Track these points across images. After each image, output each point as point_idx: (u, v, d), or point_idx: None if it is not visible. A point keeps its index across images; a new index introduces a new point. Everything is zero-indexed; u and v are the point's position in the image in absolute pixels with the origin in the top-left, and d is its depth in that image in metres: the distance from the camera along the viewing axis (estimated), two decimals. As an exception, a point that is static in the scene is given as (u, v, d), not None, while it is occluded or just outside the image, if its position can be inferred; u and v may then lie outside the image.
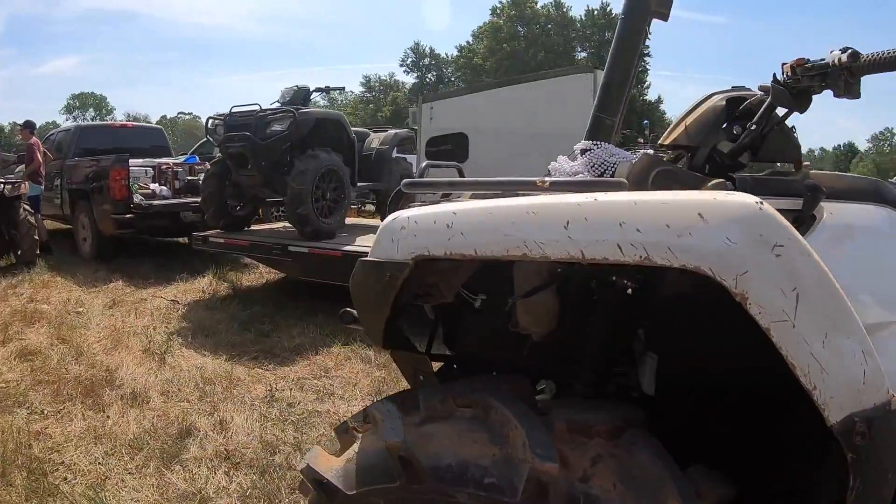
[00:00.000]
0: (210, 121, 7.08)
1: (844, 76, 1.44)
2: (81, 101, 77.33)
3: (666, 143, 1.93)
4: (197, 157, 11.08)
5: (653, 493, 1.08)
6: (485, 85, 16.99)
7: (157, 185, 9.48)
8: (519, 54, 49.86)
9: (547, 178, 1.60)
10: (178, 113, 75.66)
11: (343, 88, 37.76)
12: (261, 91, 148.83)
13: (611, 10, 52.25)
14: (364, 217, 11.43)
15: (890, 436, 1.01)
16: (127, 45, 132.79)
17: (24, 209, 8.69)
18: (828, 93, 1.53)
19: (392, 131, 8.44)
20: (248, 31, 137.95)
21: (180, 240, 10.46)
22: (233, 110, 6.79)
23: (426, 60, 60.85)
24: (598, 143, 2.00)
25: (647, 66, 51.77)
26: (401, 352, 1.70)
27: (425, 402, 1.31)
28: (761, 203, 1.01)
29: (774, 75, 1.59)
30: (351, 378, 4.80)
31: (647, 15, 2.11)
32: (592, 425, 1.21)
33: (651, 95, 53.84)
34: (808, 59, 1.52)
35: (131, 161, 8.92)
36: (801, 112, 1.62)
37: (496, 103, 12.92)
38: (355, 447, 1.37)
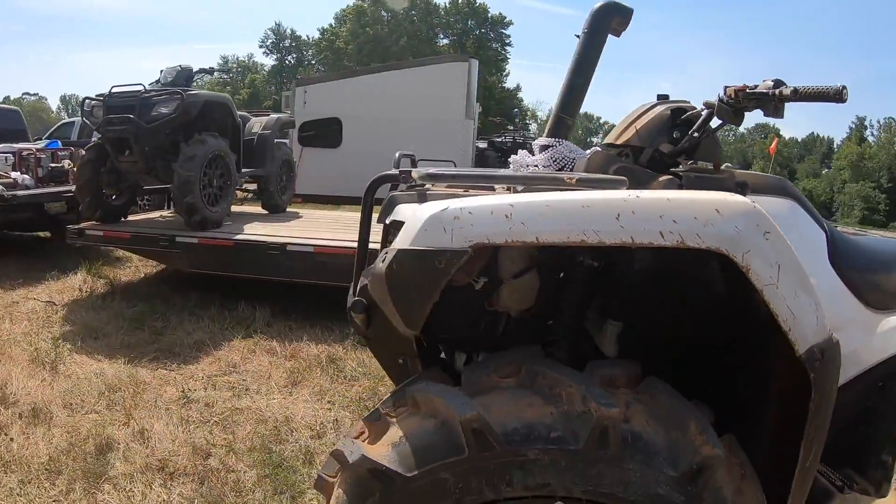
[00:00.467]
0: (86, 101, 6.51)
1: (774, 102, 1.78)
2: None
3: (618, 142, 2.18)
4: (59, 142, 10.13)
5: (678, 423, 1.40)
6: (360, 70, 17.01)
7: (18, 173, 8.49)
8: (381, 39, 49.61)
9: (573, 175, 1.76)
10: (24, 94, 68.21)
11: (230, 71, 35.48)
12: (112, 70, 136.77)
13: (475, 0, 53.27)
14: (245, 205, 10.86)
15: (833, 359, 1.43)
16: None
17: None
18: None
19: (274, 116, 8.20)
20: (95, 6, 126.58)
21: (41, 234, 9.61)
22: (113, 90, 6.27)
23: (287, 42, 59.04)
24: (560, 140, 2.23)
25: (508, 56, 53.46)
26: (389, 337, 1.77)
27: (471, 378, 1.51)
28: (755, 203, 1.37)
29: (719, 95, 1.94)
30: (261, 371, 4.69)
31: (606, 32, 2.45)
32: (618, 377, 1.48)
33: (510, 83, 55.64)
34: (748, 86, 1.87)
35: (-10, 147, 7.95)
36: (737, 126, 1.99)
37: (371, 89, 12.98)
38: (395, 431, 1.47)
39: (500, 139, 15.49)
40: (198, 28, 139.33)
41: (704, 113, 2.01)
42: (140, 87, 6.20)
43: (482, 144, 14.59)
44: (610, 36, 2.44)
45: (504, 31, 54.55)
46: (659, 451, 1.38)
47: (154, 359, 4.81)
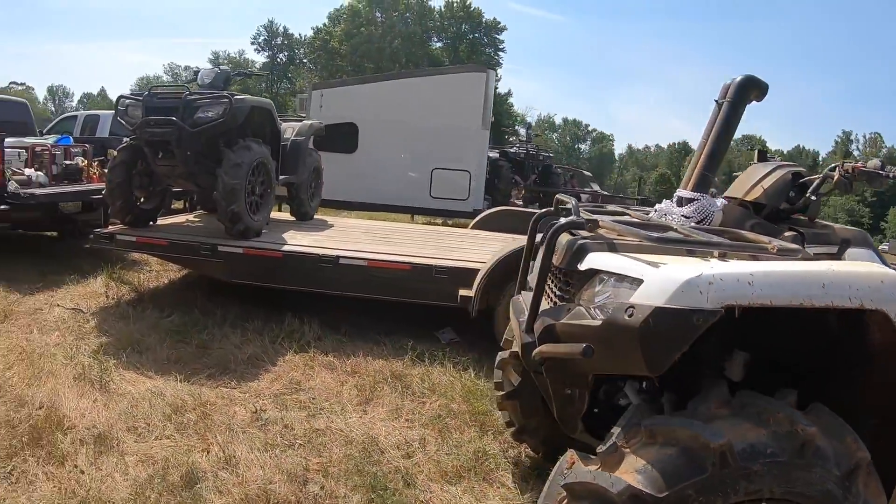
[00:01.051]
0: (121, 100, 6.22)
1: (881, 180, 2.49)
2: None
3: (749, 199, 2.73)
4: (70, 138, 9.78)
5: (838, 434, 1.85)
6: (378, 76, 16.86)
7: (31, 170, 8.13)
8: (375, 40, 49.37)
9: (773, 242, 2.28)
10: (10, 83, 66.66)
11: (268, 74, 34.78)
12: (100, 62, 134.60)
13: (470, 4, 53.25)
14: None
15: None
16: None
17: None
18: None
19: (307, 122, 7.95)
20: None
21: (50, 233, 9.18)
22: (153, 90, 6.03)
23: (279, 40, 58.57)
24: (703, 195, 2.76)
25: (502, 61, 53.46)
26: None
27: (697, 410, 1.88)
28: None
29: (837, 167, 2.61)
30: (328, 389, 4.52)
31: (746, 103, 2.99)
32: (790, 403, 1.91)
33: (502, 89, 55.60)
34: (861, 165, 2.54)
35: (2, 142, 7.53)
36: (847, 195, 4.00)
37: (389, 95, 12.87)
38: (635, 460, 1.79)
39: (513, 150, 15.34)
40: (188, 22, 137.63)
41: (817, 180, 2.66)
42: (183, 89, 5.96)
43: (494, 154, 14.41)
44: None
45: (498, 36, 54.65)
46: (829, 457, 1.79)
47: (210, 376, 4.57)
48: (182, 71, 77.25)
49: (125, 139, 6.70)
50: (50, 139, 9.82)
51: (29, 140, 9.03)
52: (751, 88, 2.88)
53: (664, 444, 1.78)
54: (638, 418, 1.94)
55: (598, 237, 2.29)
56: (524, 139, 16.25)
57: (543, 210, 3.07)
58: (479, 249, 6.71)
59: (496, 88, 53.62)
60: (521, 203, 14.19)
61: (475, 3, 53.45)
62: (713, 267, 1.83)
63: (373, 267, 5.66)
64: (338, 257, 5.66)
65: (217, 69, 6.49)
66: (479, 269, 5.53)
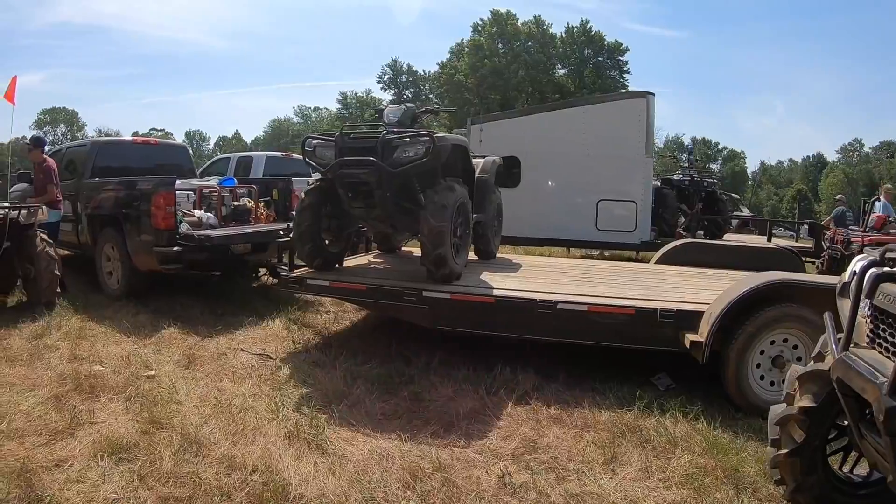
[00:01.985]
0: (308, 141, 6.03)
1: None
2: (52, 117, 74.96)
3: None
4: (235, 180, 9.98)
5: None
6: (536, 108, 16.68)
7: (201, 211, 8.29)
8: (500, 71, 49.62)
9: None
10: (151, 129, 73.16)
11: (455, 110, 35.63)
12: (229, 108, 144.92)
13: (591, 28, 52.60)
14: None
15: None
16: (93, 59, 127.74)
17: (42, 239, 7.29)
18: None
19: (490, 158, 7.56)
20: (212, 47, 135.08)
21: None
22: (345, 130, 5.81)
23: (403, 77, 60.26)
24: None
25: (627, 84, 52.20)
26: None
27: None
28: None
29: None
30: (567, 447, 4.09)
31: None
32: None
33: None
34: None
35: (172, 184, 7.68)
36: None
37: (548, 127, 12.60)
38: None
39: (677, 178, 14.46)
40: (315, 67, 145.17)
41: None
42: (379, 128, 5.72)
43: (657, 183, 13.64)
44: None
45: (622, 58, 53.47)
46: None
47: (434, 434, 4.15)
48: (311, 112, 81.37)
49: (310, 181, 6.58)
50: (213, 180, 10.04)
51: (195, 182, 9.24)
52: None
53: None
54: None
55: None
56: (686, 165, 15.27)
57: (868, 261, 2.77)
58: (690, 289, 6.08)
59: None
60: (685, 232, 13.27)
61: (595, 27, 52.78)
62: None
63: (593, 312, 5.12)
64: (556, 302, 5.15)
65: (404, 106, 6.23)
66: (702, 312, 4.97)
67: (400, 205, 5.78)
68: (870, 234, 10.45)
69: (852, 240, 10.29)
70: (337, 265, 6.50)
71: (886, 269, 2.68)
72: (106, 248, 8.05)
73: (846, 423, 3.01)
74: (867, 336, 2.74)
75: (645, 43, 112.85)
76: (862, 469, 3.34)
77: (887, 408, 2.31)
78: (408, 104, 6.35)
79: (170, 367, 5.40)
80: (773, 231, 16.06)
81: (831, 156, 79.08)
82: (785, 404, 3.24)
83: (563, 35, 53.46)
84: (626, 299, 5.37)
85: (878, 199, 12.29)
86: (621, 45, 53.35)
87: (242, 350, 5.97)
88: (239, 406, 4.53)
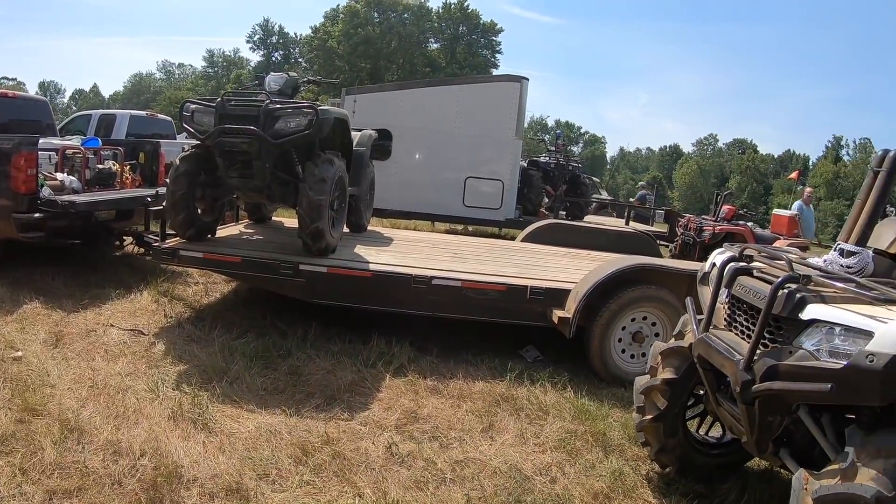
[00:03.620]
0: (187, 105, 5.75)
1: None
2: None
3: (893, 251, 3.05)
4: (99, 140, 9.31)
5: None
6: (412, 83, 16.69)
7: (64, 174, 7.63)
8: (373, 40, 48.98)
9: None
10: (2, 78, 65.11)
11: (338, 82, 33.38)
12: (92, 60, 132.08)
13: (468, 5, 53.05)
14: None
15: None
16: None
17: None
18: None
19: (367, 132, 7.59)
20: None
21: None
22: (226, 97, 5.60)
23: (274, 38, 57.95)
24: (863, 248, 3.05)
25: (498, 63, 53.27)
26: None
27: None
28: None
29: None
30: (447, 417, 4.34)
31: None
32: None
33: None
34: None
35: (34, 144, 6.99)
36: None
37: (423, 102, 12.76)
38: (867, 471, 2.30)
39: (544, 160, 15.07)
40: (181, 20, 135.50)
41: None
42: (262, 96, 5.56)
43: (523, 164, 14.19)
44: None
45: (495, 38, 54.44)
46: None
47: (318, 407, 4.25)
48: (175, 68, 76.36)
49: (186, 147, 6.32)
50: (75, 140, 9.32)
51: (57, 142, 8.56)
52: None
53: (888, 456, 2.28)
54: (861, 439, 2.40)
55: (813, 290, 2.64)
56: (552, 148, 15.96)
57: (728, 255, 3.24)
58: (557, 268, 6.52)
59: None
60: (548, 213, 13.96)
61: (473, 5, 53.37)
62: None
63: (467, 288, 5.40)
64: (431, 278, 5.37)
65: (287, 75, 6.12)
66: (570, 290, 5.42)
67: (278, 176, 5.71)
68: (720, 223, 11.46)
69: (704, 228, 11.24)
70: (210, 235, 6.33)
71: (743, 264, 3.10)
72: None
73: (703, 392, 3.52)
74: (725, 320, 3.16)
75: (520, 26, 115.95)
76: (715, 431, 3.87)
77: (742, 381, 2.67)
78: (290, 73, 6.21)
79: (37, 347, 5.05)
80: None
81: (687, 147, 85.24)
82: (649, 376, 3.64)
83: (440, 10, 53.62)
84: (499, 276, 5.68)
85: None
86: (496, 25, 54.34)
87: (112, 325, 5.70)
88: (116, 386, 4.35)
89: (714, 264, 3.39)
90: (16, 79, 65.12)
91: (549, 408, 4.56)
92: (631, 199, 21.01)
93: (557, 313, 5.29)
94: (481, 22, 53.74)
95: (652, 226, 15.85)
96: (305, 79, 6.45)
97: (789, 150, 75.63)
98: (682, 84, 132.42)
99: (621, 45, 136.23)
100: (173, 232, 6.09)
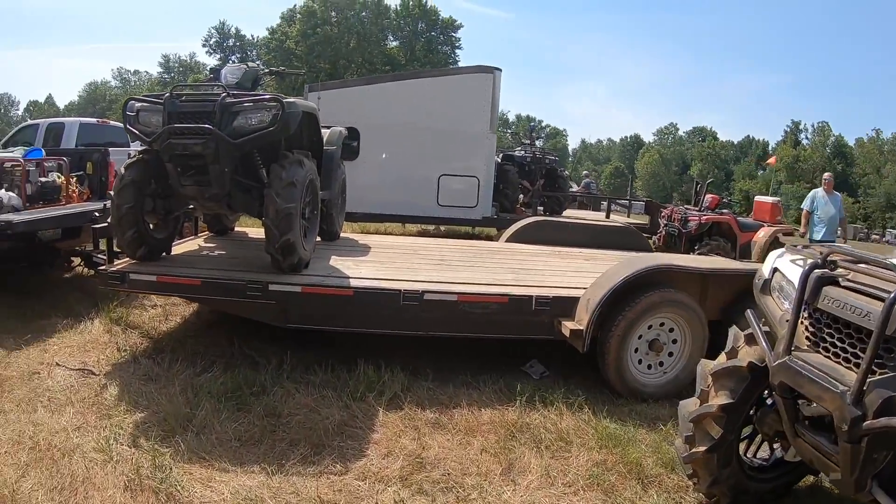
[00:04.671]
0: (131, 103, 4.95)
1: None
2: None
3: None
4: (42, 151, 8.42)
5: None
6: (379, 78, 16.01)
7: (2, 191, 6.73)
8: (332, 40, 48.01)
9: None
10: None
11: (304, 73, 31.88)
12: (42, 70, 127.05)
13: (426, 3, 52.32)
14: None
15: None
16: None
17: None
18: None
19: (337, 129, 6.85)
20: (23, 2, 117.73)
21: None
22: (175, 92, 4.77)
23: (231, 41, 56.41)
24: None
25: (458, 59, 52.82)
26: None
27: None
28: None
29: None
30: (457, 459, 3.69)
31: None
32: None
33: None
34: None
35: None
36: None
37: (391, 97, 12.07)
38: None
39: (519, 154, 14.48)
40: (135, 27, 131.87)
41: None
42: (218, 88, 4.78)
43: (497, 159, 13.60)
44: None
45: (454, 34, 53.90)
46: None
47: (304, 459, 3.55)
48: (131, 76, 74.22)
49: (132, 153, 5.53)
50: (16, 151, 8.42)
51: (-7, 155, 7.69)
52: None
53: None
54: None
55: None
56: (527, 142, 15.38)
57: (810, 263, 2.62)
58: (554, 271, 5.98)
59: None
60: (525, 209, 13.41)
61: (431, 2, 52.70)
62: None
63: (464, 301, 4.72)
64: (423, 292, 4.67)
65: (245, 65, 5.36)
66: (577, 298, 4.82)
67: (239, 182, 4.96)
68: (705, 213, 11.07)
69: (689, 218, 10.83)
70: (164, 254, 5.55)
71: (828, 271, 2.58)
72: None
73: (755, 411, 3.07)
74: (807, 339, 2.63)
75: (476, 21, 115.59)
76: (763, 452, 3.39)
77: (852, 417, 2.25)
78: (249, 63, 5.47)
79: None
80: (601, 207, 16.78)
81: (648, 137, 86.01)
82: (698, 401, 3.13)
83: (398, 7, 52.84)
84: (497, 286, 5.06)
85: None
86: (455, 21, 53.79)
87: (59, 364, 4.92)
88: (62, 447, 3.60)
89: (776, 269, 2.92)
90: (-45, 91, 62.27)
91: (570, 435, 4.01)
92: (575, 188, 20.56)
93: (568, 325, 4.68)
94: (440, 18, 53.15)
95: (629, 217, 15.48)
96: (266, 69, 5.71)
97: (748, 135, 76.74)
98: (637, 75, 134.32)
99: (573, 37, 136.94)
100: (122, 251, 5.31)
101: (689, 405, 3.18)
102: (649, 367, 4.85)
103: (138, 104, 4.93)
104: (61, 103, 77.65)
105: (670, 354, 4.88)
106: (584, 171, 20.42)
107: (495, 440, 3.90)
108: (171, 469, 3.35)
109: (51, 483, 3.23)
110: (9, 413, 4.08)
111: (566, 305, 4.83)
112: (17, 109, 78.63)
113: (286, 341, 5.15)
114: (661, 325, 4.83)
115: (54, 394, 4.41)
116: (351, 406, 4.21)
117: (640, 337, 4.77)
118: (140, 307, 6.55)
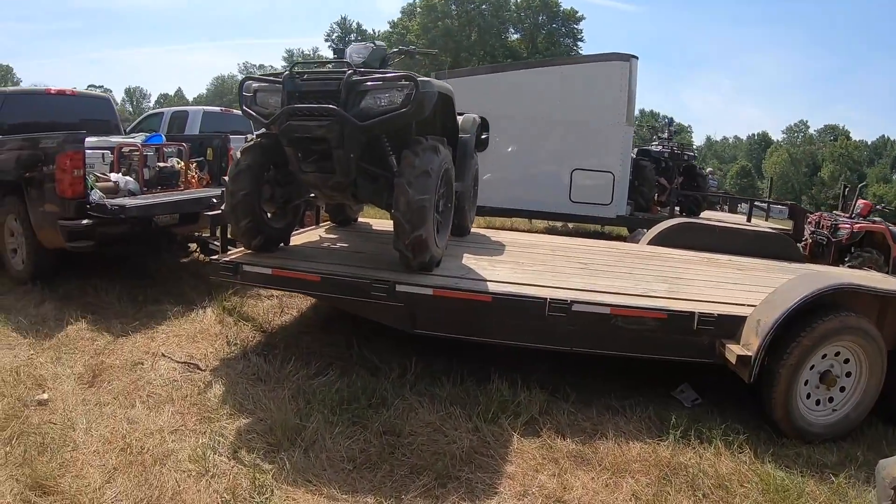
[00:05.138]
0: (247, 83, 4.58)
1: None
2: (-17, 72, 68.98)
3: None
4: (162, 136, 8.40)
5: None
6: (509, 65, 15.36)
7: (119, 175, 6.69)
8: (452, 33, 47.93)
9: None
10: (89, 86, 68.02)
11: (437, 52, 32.38)
12: (175, 65, 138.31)
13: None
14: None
15: None
16: (29, 12, 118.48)
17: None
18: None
19: (470, 116, 6.27)
20: (154, 1, 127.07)
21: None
22: (295, 70, 4.33)
23: (353, 36, 57.57)
24: None
25: (581, 52, 51.26)
26: None
27: None
28: None
29: None
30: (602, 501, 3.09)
31: None
32: None
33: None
34: None
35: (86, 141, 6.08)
36: None
37: (522, 86, 11.27)
38: None
39: (657, 149, 13.42)
40: (261, 23, 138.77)
41: None
42: (345, 66, 4.28)
43: (633, 154, 12.61)
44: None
45: (576, 26, 52.42)
46: None
47: (428, 491, 3.04)
48: (256, 70, 77.93)
49: (250, 136, 5.18)
50: (138, 137, 8.45)
51: (115, 139, 7.68)
52: None
53: None
54: None
55: None
56: (665, 136, 14.24)
57: None
58: (707, 282, 5.14)
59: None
60: (661, 209, 12.37)
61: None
62: None
63: (618, 315, 4.00)
64: (572, 301, 3.98)
65: (372, 44, 4.89)
66: (745, 317, 4.02)
67: (365, 169, 4.47)
68: (858, 221, 9.86)
69: (840, 226, 9.69)
70: (282, 245, 5.17)
71: None
72: (8, 220, 6.47)
73: None
74: None
75: (599, 14, 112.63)
76: None
77: None
78: (377, 42, 4.99)
79: (69, 386, 4.13)
80: (738, 209, 15.42)
81: (776, 135, 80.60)
82: None
83: (519, 0, 51.88)
84: (653, 298, 4.29)
85: None
86: (577, 13, 52.28)
87: (164, 355, 4.67)
88: (155, 452, 3.30)
89: None
90: (102, 86, 67.31)
91: (731, 483, 3.34)
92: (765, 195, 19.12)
93: (734, 350, 3.87)
94: (561, 10, 51.81)
95: (766, 221, 14.12)
96: (395, 49, 5.21)
97: (883, 135, 70.06)
98: (766, 68, 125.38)
99: (699, 30, 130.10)
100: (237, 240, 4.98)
101: (892, 467, 2.63)
102: (818, 402, 4.01)
103: (255, 84, 4.55)
104: (190, 96, 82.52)
105: (842, 389, 4.03)
106: (708, 169, 18.88)
107: (646, 483, 3.26)
108: (272, 491, 2.95)
109: (137, 494, 2.93)
110: (105, 407, 3.87)
111: (731, 325, 4.03)
112: (149, 102, 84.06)
113: (411, 345, 4.64)
114: (837, 354, 3.98)
115: (155, 388, 4.15)
116: (482, 429, 3.63)
117: (811, 367, 3.92)
118: (256, 297, 6.27)
